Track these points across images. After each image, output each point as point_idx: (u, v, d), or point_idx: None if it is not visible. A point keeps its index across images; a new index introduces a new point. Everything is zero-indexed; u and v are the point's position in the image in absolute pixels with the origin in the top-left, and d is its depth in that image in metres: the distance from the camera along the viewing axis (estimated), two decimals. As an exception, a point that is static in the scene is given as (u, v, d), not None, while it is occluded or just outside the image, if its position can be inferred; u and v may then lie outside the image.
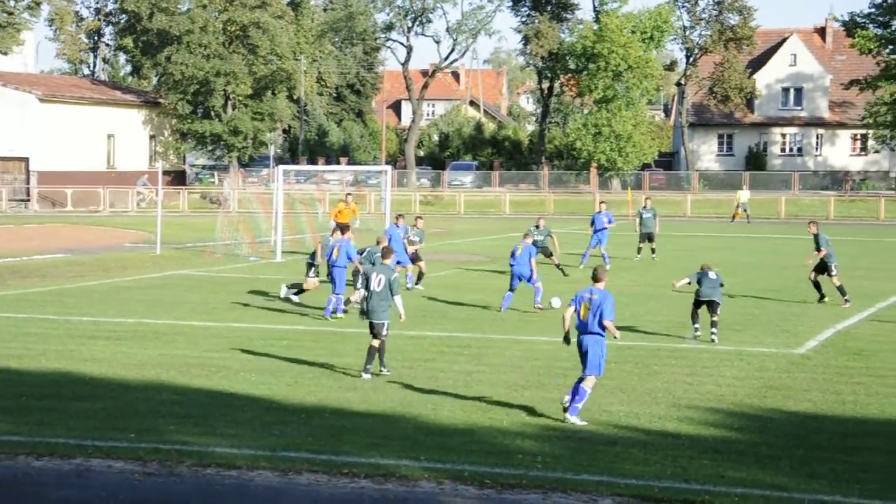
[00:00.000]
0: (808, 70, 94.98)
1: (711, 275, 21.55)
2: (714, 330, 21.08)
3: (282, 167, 41.77)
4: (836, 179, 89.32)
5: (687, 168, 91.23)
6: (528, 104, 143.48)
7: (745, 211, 60.82)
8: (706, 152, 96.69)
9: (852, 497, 11.68)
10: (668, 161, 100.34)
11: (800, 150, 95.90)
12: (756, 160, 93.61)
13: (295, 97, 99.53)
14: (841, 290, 26.04)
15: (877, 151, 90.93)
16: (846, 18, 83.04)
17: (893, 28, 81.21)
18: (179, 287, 29.67)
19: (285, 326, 22.75)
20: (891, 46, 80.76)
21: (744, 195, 62.26)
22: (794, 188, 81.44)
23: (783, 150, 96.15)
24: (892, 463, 12.91)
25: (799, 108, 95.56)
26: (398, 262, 30.18)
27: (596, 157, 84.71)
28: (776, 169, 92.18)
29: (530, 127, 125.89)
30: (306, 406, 15.59)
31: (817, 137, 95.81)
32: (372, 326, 17.68)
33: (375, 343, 17.59)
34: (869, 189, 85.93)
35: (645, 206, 38.10)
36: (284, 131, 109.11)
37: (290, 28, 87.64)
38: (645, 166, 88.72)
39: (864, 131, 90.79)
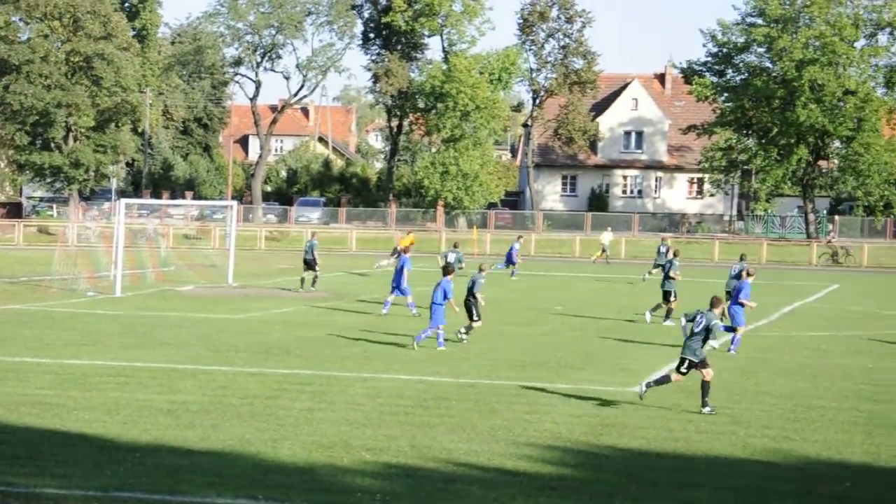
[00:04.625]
0: (648, 115, 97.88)
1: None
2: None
3: (124, 200, 40.97)
4: (673, 221, 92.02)
5: (532, 208, 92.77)
6: (376, 142, 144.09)
7: (604, 252, 61.55)
8: (551, 192, 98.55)
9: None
10: (513, 200, 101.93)
11: (640, 192, 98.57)
12: (598, 201, 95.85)
13: (140, 130, 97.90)
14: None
15: (712, 195, 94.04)
16: (685, 66, 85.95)
17: (728, 77, 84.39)
18: (11, 322, 28.73)
19: (122, 363, 22.24)
20: (726, 94, 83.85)
21: (606, 237, 63.14)
22: (634, 229, 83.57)
23: (624, 191, 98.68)
24: (718, 498, 13.29)
25: (640, 151, 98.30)
26: (397, 290, 31.72)
27: (443, 196, 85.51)
28: (617, 210, 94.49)
29: (379, 164, 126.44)
30: (141, 444, 15.25)
31: (656, 180, 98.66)
32: None
33: None
34: (704, 231, 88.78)
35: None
36: (128, 164, 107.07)
37: (136, 60, 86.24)
38: (491, 205, 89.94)
39: (700, 175, 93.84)
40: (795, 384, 21.50)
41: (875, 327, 32.09)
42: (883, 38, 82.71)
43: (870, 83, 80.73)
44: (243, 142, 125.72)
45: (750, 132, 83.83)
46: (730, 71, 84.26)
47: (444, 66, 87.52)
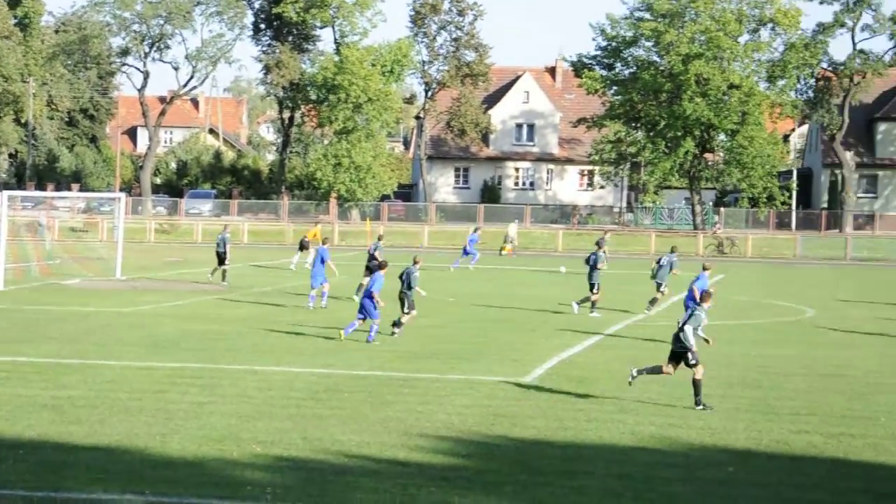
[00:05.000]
0: (539, 107, 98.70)
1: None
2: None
3: (7, 193, 39.94)
4: (564, 213, 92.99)
5: (425, 200, 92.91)
6: (268, 133, 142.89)
7: (511, 244, 62.07)
8: (443, 185, 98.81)
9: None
10: (406, 193, 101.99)
11: (532, 184, 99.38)
12: (491, 193, 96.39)
13: (23, 121, 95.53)
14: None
15: (602, 187, 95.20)
16: (575, 60, 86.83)
17: (617, 70, 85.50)
18: None
19: (5, 358, 21.72)
20: (615, 87, 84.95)
21: (513, 229, 63.65)
22: (526, 221, 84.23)
23: (516, 183, 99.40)
24: (607, 485, 13.49)
25: (531, 143, 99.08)
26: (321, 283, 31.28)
27: (336, 188, 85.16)
28: (510, 202, 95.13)
29: (270, 156, 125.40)
30: (24, 441, 14.92)
31: (548, 172, 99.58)
32: None
33: None
34: (595, 223, 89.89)
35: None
36: (11, 156, 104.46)
37: (18, 49, 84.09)
38: (384, 197, 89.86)
39: (590, 168, 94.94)
40: (682, 372, 21.88)
41: (759, 316, 32.86)
42: (765, 33, 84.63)
43: (753, 77, 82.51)
44: (131, 133, 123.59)
45: (639, 125, 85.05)
46: (619, 65, 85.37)
47: (336, 58, 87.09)
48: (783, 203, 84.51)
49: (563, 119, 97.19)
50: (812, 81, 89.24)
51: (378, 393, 18.99)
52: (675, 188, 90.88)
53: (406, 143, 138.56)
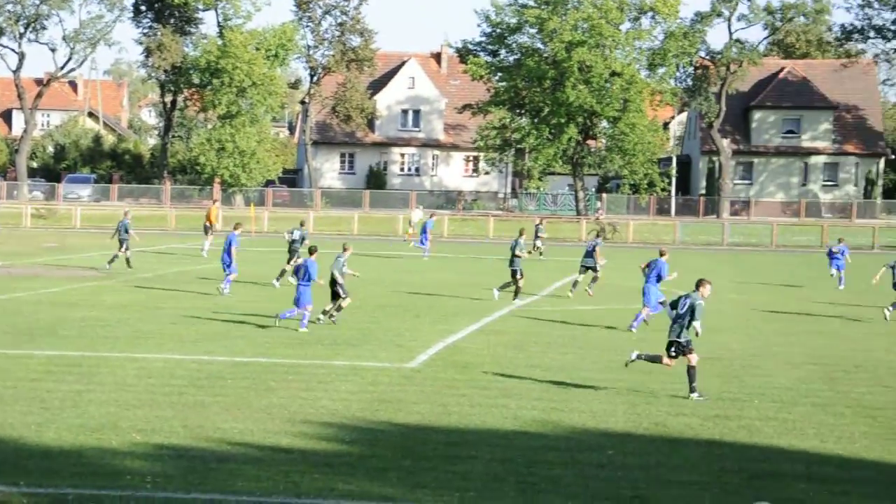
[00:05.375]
0: (425, 93, 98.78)
1: None
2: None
3: None
4: (450, 199, 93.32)
5: (310, 185, 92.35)
6: (150, 117, 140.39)
7: (413, 229, 62.09)
8: (329, 170, 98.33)
9: (452, 504, 12.23)
10: (291, 178, 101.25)
11: (417, 169, 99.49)
12: (377, 179, 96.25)
13: None
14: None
15: (487, 173, 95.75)
16: (460, 46, 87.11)
17: (502, 57, 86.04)
18: None
19: None
20: (499, 74, 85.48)
21: (416, 215, 63.87)
22: (411, 207, 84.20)
23: (402, 169, 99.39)
24: (491, 470, 13.61)
25: (417, 129, 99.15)
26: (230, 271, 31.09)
27: (220, 173, 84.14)
28: (395, 188, 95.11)
29: (152, 140, 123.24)
30: None
31: (433, 158, 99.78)
32: None
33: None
34: (480, 209, 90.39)
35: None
36: None
37: None
38: (269, 183, 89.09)
39: (475, 154, 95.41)
40: (564, 357, 22.20)
41: (639, 301, 33.39)
42: (646, 21, 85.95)
43: (634, 65, 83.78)
44: (6, 116, 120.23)
45: (523, 111, 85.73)
46: (503, 51, 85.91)
47: (220, 42, 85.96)
48: (663, 189, 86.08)
49: (449, 105, 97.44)
50: (690, 70, 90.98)
51: (261, 380, 18.85)
52: (559, 174, 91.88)
53: (291, 129, 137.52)
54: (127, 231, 38.94)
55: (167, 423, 15.37)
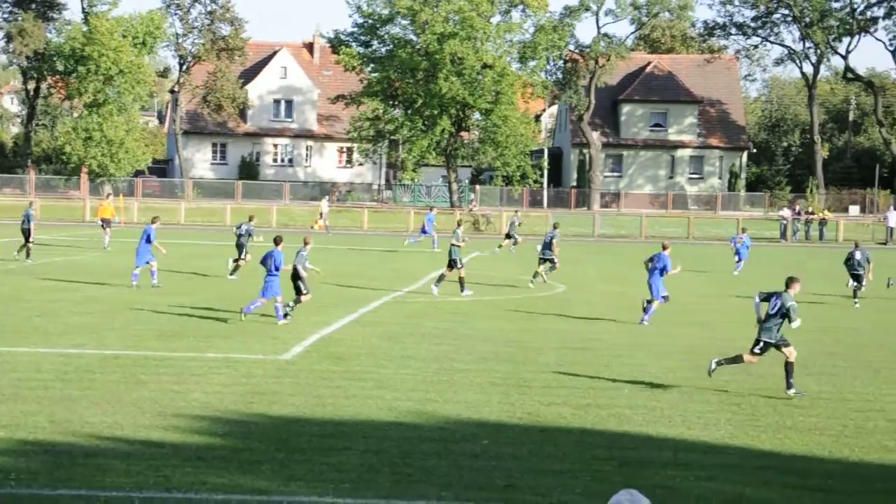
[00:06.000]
0: (297, 83, 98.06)
1: None
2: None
3: None
4: (324, 190, 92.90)
5: (181, 175, 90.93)
6: (12, 105, 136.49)
7: (324, 220, 62.53)
8: (200, 160, 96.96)
9: (326, 496, 12.17)
10: (162, 168, 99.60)
11: (291, 160, 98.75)
12: (249, 169, 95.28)
13: None
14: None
15: (361, 164, 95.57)
16: (332, 36, 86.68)
17: (374, 48, 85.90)
18: None
19: None
20: (372, 65, 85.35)
21: (325, 205, 64.12)
22: (285, 198, 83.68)
23: (275, 160, 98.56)
24: (366, 461, 13.59)
25: (290, 119, 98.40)
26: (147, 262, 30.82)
27: (87, 163, 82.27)
28: (268, 178, 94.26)
29: (15, 129, 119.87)
30: None
31: (307, 149, 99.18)
32: None
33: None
34: (354, 200, 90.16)
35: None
36: None
37: None
38: (138, 173, 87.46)
39: (349, 145, 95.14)
40: (439, 348, 22.28)
41: (511, 293, 33.74)
42: (516, 14, 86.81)
43: (505, 58, 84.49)
44: None
45: (396, 103, 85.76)
46: (375, 42, 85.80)
47: (85, 28, 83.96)
48: (535, 181, 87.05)
49: (322, 96, 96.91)
50: (560, 63, 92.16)
51: (131, 373, 18.51)
52: (433, 166, 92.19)
53: (161, 118, 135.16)
54: (30, 222, 39.05)
55: (32, 418, 14.98)
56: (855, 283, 33.28)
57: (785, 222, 68.24)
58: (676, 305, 30.39)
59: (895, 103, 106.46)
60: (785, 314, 17.87)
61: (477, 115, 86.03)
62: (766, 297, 18.26)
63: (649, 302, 26.67)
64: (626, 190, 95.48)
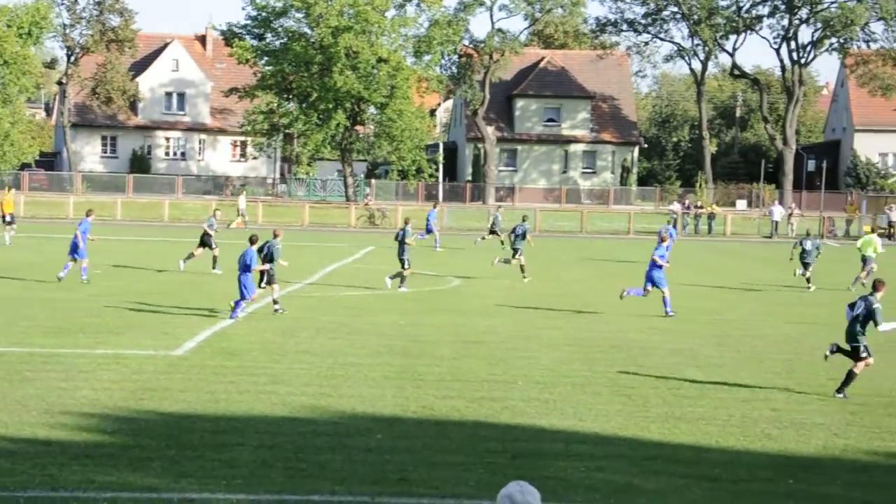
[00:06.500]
0: (190, 76, 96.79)
1: None
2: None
3: None
4: (217, 184, 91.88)
5: (70, 169, 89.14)
6: None
7: (243, 216, 61.79)
8: (90, 153, 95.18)
9: (218, 493, 12.07)
10: (50, 161, 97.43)
11: (183, 154, 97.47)
12: (140, 163, 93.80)
13: None
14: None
15: (255, 158, 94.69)
16: (225, 28, 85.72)
17: (268, 41, 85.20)
18: None
19: None
20: (266, 58, 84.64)
21: (242, 202, 63.59)
22: (178, 192, 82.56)
23: (167, 153, 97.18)
24: (258, 457, 13.50)
25: (182, 112, 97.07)
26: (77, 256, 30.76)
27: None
28: (160, 172, 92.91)
29: None
30: None
31: (200, 143, 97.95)
32: None
33: None
34: (249, 194, 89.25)
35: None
36: None
37: None
38: (25, 166, 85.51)
39: (243, 138, 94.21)
40: (334, 342, 22.22)
41: (409, 285, 33.76)
42: (411, 9, 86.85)
43: (400, 52, 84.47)
44: None
45: (291, 96, 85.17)
46: (269, 35, 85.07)
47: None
48: (431, 175, 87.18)
49: (215, 88, 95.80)
50: (455, 58, 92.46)
51: (17, 370, 18.11)
52: (328, 160, 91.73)
53: (48, 110, 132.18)
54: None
55: (-85, 418, 14.59)
56: (803, 270, 35.42)
57: (675, 216, 69.43)
58: (571, 298, 30.75)
59: (780, 100, 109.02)
60: (869, 316, 17.93)
61: (372, 110, 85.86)
62: (853, 304, 18.37)
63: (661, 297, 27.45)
64: (520, 184, 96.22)
